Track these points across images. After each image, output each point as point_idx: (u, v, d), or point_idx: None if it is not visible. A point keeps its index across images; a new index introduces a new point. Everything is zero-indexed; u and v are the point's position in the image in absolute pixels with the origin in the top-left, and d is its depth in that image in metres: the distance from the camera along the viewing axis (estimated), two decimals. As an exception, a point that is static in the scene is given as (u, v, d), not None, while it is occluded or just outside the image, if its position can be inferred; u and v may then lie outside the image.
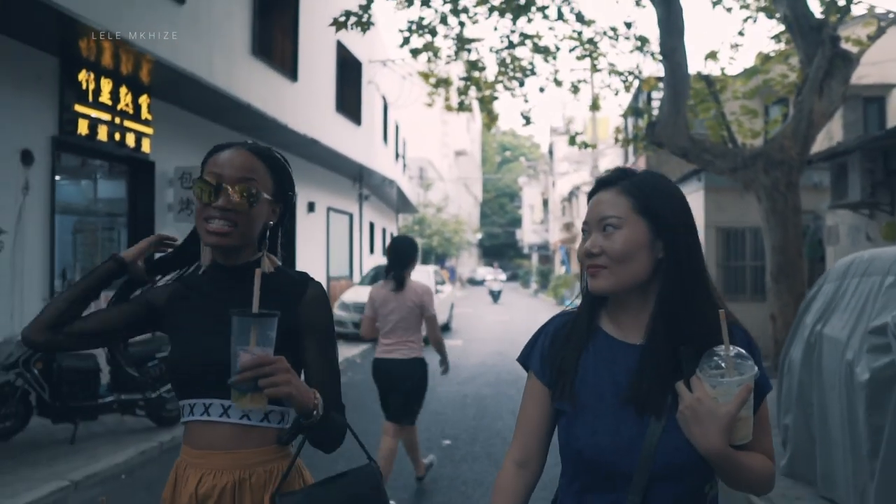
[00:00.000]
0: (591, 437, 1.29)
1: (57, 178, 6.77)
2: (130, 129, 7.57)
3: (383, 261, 17.17)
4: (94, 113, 7.01)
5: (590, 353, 1.37)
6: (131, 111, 7.58)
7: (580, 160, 32.43)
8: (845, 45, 8.58)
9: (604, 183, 1.38)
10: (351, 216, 17.33)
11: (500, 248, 66.93)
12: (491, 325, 18.62)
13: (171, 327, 1.58)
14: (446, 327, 16.03)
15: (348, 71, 14.52)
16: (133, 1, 6.63)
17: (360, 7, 8.68)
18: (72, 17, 5.65)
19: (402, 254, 4.55)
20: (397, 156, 21.94)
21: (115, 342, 1.65)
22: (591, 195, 1.41)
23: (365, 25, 8.80)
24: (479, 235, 58.10)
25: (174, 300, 1.59)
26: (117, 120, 7.35)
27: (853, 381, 3.66)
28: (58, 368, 5.42)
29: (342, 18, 8.48)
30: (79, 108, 6.81)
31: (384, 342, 4.52)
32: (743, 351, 1.23)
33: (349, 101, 14.41)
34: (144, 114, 7.80)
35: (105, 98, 7.16)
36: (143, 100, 7.77)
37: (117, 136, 7.37)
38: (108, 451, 5.36)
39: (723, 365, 1.20)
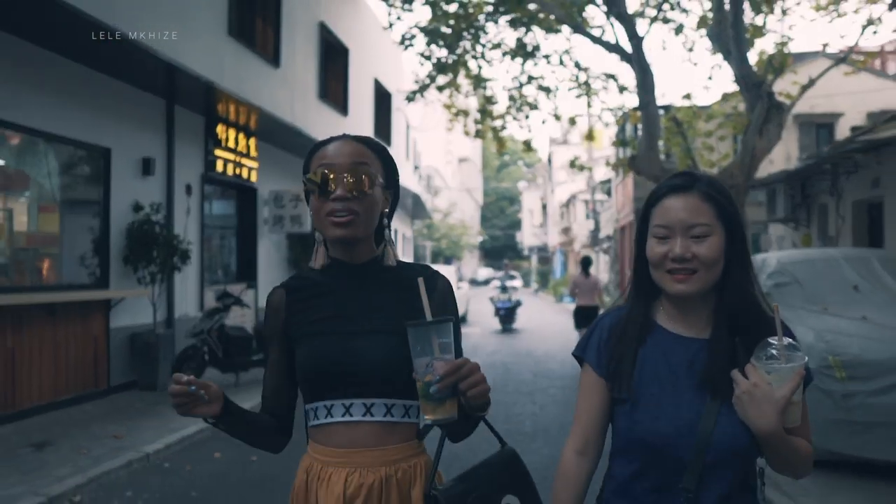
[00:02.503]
0: (652, 422, 1.36)
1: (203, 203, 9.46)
2: (244, 165, 10.25)
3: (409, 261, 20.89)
4: (225, 155, 9.69)
5: (647, 346, 1.43)
6: (245, 151, 10.25)
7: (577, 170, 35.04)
8: (779, 98, 11.26)
9: (679, 188, 1.40)
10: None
11: (500, 249, 69.31)
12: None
13: (298, 333, 1.53)
14: (463, 318, 18.74)
15: (383, 103, 17.23)
16: (247, 71, 9.22)
17: (421, 85, 11.61)
18: (214, 86, 8.20)
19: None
20: (415, 168, 24.65)
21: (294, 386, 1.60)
22: (658, 198, 1.43)
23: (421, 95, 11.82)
24: (482, 238, 60.82)
25: (296, 309, 1.55)
26: (238, 158, 10.02)
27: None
28: (227, 336, 8.07)
29: (412, 94, 11.44)
30: (217, 152, 9.49)
31: None
32: (793, 342, 1.32)
33: (383, 129, 17.12)
34: (252, 152, 10.49)
35: (231, 143, 9.83)
36: (252, 142, 10.45)
37: (237, 171, 10.05)
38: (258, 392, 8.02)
39: (776, 354, 1.29)
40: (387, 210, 1.57)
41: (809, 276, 5.86)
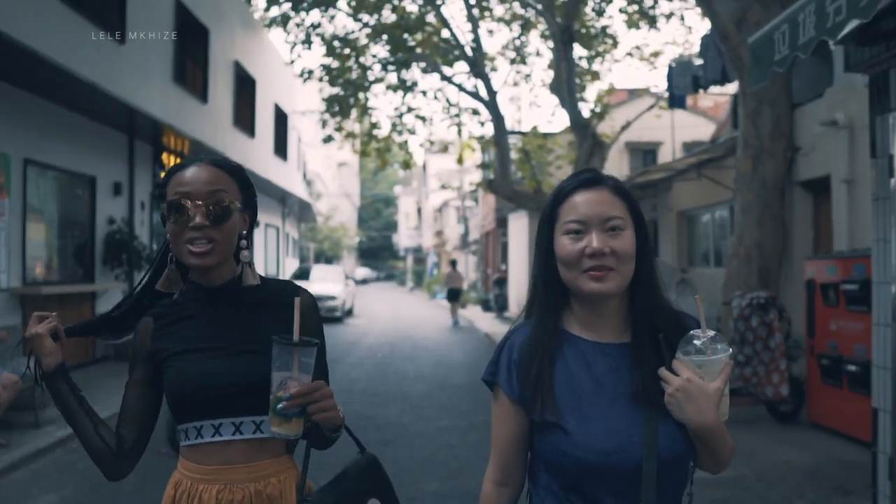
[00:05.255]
0: (587, 441, 1.26)
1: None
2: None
3: (294, 263, 23.65)
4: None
5: (564, 358, 1.35)
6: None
7: (449, 178, 38.56)
8: (602, 137, 14.86)
9: (588, 182, 1.36)
10: (278, 229, 22.44)
11: (376, 250, 71.96)
12: (383, 309, 24.28)
13: (165, 358, 1.53)
14: (350, 312, 21.55)
15: (281, 123, 19.67)
16: (184, 109, 11.54)
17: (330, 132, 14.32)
18: (162, 123, 10.54)
19: None
20: (304, 177, 27.09)
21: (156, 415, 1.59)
22: (565, 195, 1.36)
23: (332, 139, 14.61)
24: (358, 239, 63.37)
25: (160, 334, 1.55)
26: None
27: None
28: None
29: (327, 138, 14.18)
30: (162, 174, 11.76)
31: None
32: (718, 334, 1.28)
33: (280, 146, 19.57)
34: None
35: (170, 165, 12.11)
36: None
37: (175, 189, 12.34)
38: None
39: (701, 346, 1.26)
40: (245, 231, 1.57)
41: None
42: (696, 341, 1.27)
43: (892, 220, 3.57)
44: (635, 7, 14.77)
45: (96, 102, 8.77)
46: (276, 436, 1.36)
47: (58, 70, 7.21)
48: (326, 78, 15.76)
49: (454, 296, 19.72)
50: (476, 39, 14.84)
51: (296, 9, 14.55)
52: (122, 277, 9.91)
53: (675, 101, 11.64)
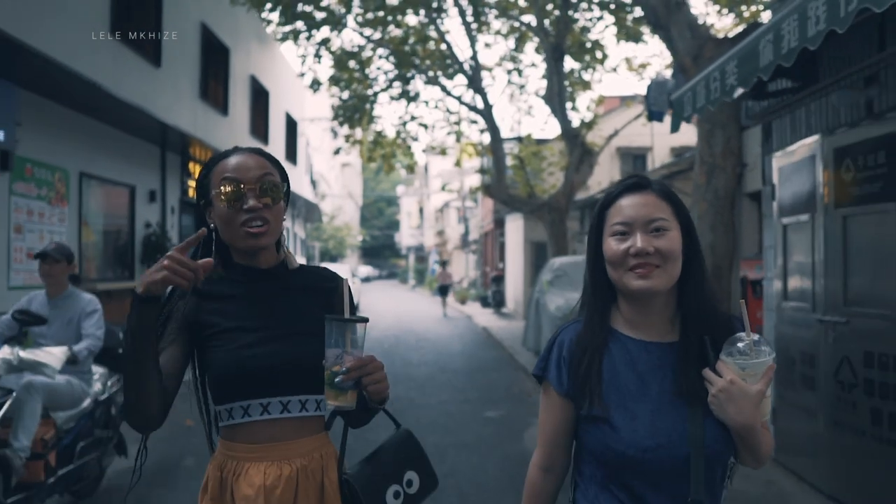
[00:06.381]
0: (631, 436, 1.33)
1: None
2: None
3: (302, 260, 24.81)
4: (193, 184, 13.21)
5: (611, 355, 1.41)
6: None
7: (451, 179, 39.73)
8: (590, 145, 16.00)
9: (635, 187, 1.42)
10: (287, 229, 23.73)
11: (378, 249, 72.79)
12: (387, 305, 25.55)
13: (210, 336, 1.57)
14: (356, 308, 22.83)
15: (291, 131, 20.92)
16: (209, 122, 12.78)
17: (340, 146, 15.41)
18: (189, 136, 11.79)
19: None
20: (311, 180, 28.34)
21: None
22: (613, 199, 1.44)
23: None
24: (361, 238, 64.56)
25: (206, 309, 1.58)
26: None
27: (546, 311, 10.81)
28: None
29: (337, 150, 15.28)
30: (189, 182, 13.02)
31: None
32: (761, 337, 1.32)
33: (291, 151, 20.81)
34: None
35: (197, 175, 13.35)
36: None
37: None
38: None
39: (745, 349, 1.30)
40: (286, 218, 1.64)
41: (573, 270, 10.46)
42: (739, 344, 1.31)
43: (775, 231, 4.79)
44: (624, 19, 15.86)
45: (136, 120, 9.99)
46: (335, 408, 1.45)
47: (109, 96, 8.42)
48: (335, 88, 16.97)
49: (444, 291, 23.37)
50: (474, 56, 16.03)
51: (308, 27, 15.73)
52: (158, 275, 11.14)
53: (654, 115, 12.80)
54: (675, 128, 4.83)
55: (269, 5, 13.76)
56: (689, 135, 23.11)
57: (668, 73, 16.02)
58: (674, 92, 12.04)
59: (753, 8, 13.37)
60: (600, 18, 16.15)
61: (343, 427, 1.63)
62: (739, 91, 4.55)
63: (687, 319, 1.40)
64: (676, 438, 1.31)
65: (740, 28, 12.01)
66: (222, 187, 1.53)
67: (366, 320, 1.45)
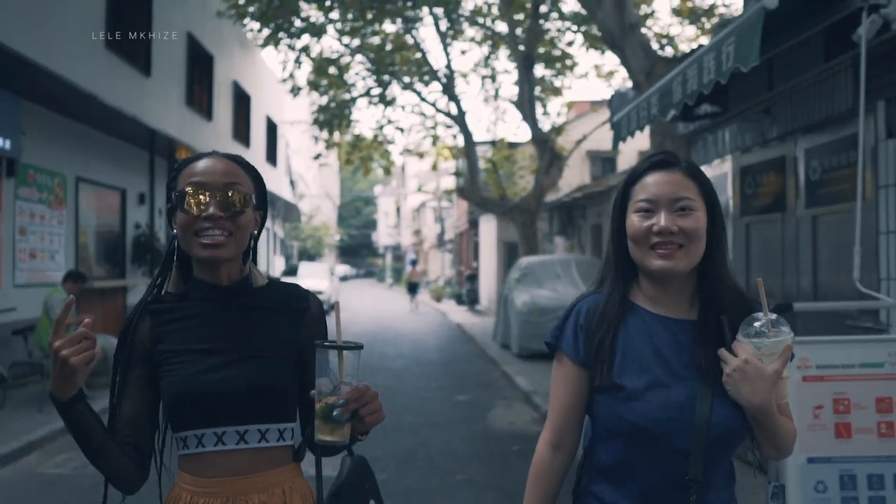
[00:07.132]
0: (643, 407, 1.32)
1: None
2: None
3: (280, 261, 25.87)
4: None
5: (628, 327, 1.39)
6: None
7: (427, 180, 40.48)
8: (559, 150, 16.79)
9: (662, 164, 1.40)
10: (267, 229, 24.31)
11: (356, 248, 73.07)
12: (365, 304, 26.26)
13: (165, 360, 1.44)
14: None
15: (272, 133, 21.53)
16: (195, 127, 13.39)
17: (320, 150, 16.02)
18: (176, 141, 12.41)
19: None
20: (290, 181, 28.95)
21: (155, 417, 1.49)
22: (639, 175, 1.41)
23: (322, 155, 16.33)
24: (339, 237, 65.05)
25: (159, 332, 1.46)
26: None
27: (513, 307, 11.62)
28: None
29: (317, 155, 15.92)
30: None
31: None
32: (780, 317, 1.30)
33: (271, 153, 21.43)
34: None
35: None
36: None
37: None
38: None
39: (762, 329, 1.28)
40: (255, 231, 1.52)
41: (539, 269, 11.29)
42: (756, 323, 1.29)
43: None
44: (590, 31, 16.66)
45: (127, 127, 10.60)
46: (329, 444, 1.32)
47: (104, 106, 9.04)
48: (315, 93, 17.60)
49: (413, 288, 25.41)
50: (448, 65, 16.77)
51: (288, 35, 16.33)
52: (146, 274, 11.75)
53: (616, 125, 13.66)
54: (614, 146, 5.62)
55: (249, 18, 14.38)
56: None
57: (630, 85, 17.00)
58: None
59: (715, 19, 14.19)
60: (568, 29, 16.97)
61: (316, 461, 1.46)
62: (670, 116, 5.37)
63: (706, 299, 1.39)
64: (687, 414, 1.30)
65: (703, 39, 12.88)
66: (186, 189, 1.42)
67: (361, 347, 1.33)
